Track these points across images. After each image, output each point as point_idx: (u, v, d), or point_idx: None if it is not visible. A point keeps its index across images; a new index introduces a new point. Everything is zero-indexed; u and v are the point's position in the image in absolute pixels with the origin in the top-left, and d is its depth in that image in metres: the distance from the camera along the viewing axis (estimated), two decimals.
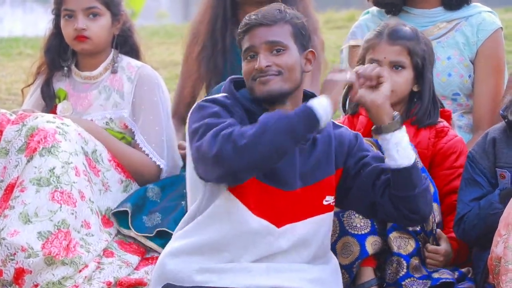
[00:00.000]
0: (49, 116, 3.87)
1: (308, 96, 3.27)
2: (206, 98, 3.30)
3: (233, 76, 3.36)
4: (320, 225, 3.23)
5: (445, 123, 3.83)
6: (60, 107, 4.13)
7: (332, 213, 3.28)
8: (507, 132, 3.66)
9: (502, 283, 3.36)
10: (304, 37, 3.23)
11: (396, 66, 3.69)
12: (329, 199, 3.22)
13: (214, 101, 3.18)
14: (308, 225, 3.21)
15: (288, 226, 3.17)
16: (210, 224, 3.18)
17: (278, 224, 3.15)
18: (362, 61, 3.76)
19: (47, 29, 4.23)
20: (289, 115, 2.94)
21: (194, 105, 3.37)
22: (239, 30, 3.24)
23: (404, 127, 3.15)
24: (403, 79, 3.70)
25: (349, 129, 3.40)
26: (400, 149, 3.12)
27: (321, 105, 2.98)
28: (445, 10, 4.24)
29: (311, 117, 2.95)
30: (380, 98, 3.05)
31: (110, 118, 4.10)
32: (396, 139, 3.10)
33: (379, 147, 3.44)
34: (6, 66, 8.02)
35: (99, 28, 4.06)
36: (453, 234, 3.74)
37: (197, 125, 3.04)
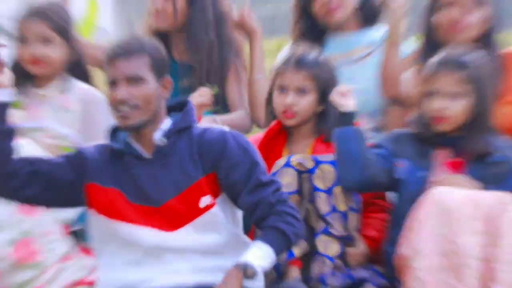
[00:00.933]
0: None
1: (171, 107, 3.39)
2: None
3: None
4: (205, 224, 3.35)
5: None
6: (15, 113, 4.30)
7: (215, 208, 3.32)
8: (411, 136, 3.86)
9: (407, 279, 3.59)
10: (160, 65, 3.34)
11: (299, 91, 3.98)
12: (206, 200, 3.32)
13: None
14: (193, 227, 3.34)
15: (178, 231, 3.32)
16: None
17: (167, 230, 3.32)
18: (272, 86, 4.07)
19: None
20: None
21: None
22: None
23: None
24: (306, 102, 3.98)
25: (221, 128, 3.49)
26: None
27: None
28: (364, 34, 4.55)
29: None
30: None
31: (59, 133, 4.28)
32: None
33: (316, 163, 3.77)
34: None
35: (52, 53, 4.26)
36: (369, 233, 4.03)
37: None
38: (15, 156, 3.30)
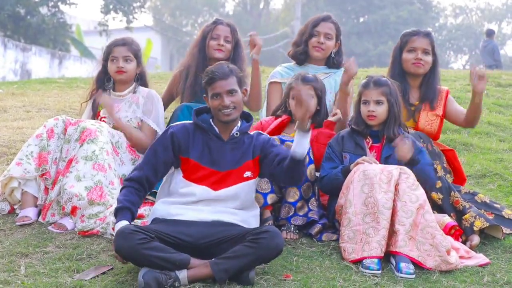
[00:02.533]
0: (93, 121, 5.16)
1: (245, 114, 4.50)
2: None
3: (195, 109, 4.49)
4: (242, 188, 4.35)
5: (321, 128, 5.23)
6: (102, 112, 5.50)
7: (251, 181, 4.38)
8: (350, 132, 5.00)
9: (342, 219, 4.58)
10: (241, 81, 4.40)
11: (312, 96, 5.06)
12: (248, 174, 4.37)
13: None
14: (235, 188, 4.33)
15: (223, 189, 4.29)
16: (175, 190, 4.35)
17: (216, 189, 4.29)
18: (287, 95, 5.21)
19: (95, 69, 5.64)
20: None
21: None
22: (205, 80, 4.37)
23: (309, 133, 4.18)
24: (313, 103, 5.09)
25: (266, 134, 4.54)
26: (301, 144, 4.18)
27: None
28: (325, 67, 5.92)
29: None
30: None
31: (130, 118, 5.49)
32: (301, 137, 4.17)
33: (281, 142, 4.82)
34: (69, 93, 9.72)
35: (130, 67, 5.50)
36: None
37: None
38: (148, 187, 4.35)
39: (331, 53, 5.94)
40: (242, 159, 4.37)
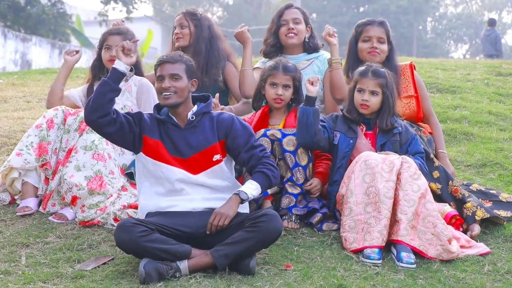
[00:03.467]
0: None
1: (196, 98, 4.43)
2: None
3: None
4: (214, 171, 4.34)
5: None
6: None
7: (222, 162, 4.35)
8: (342, 117, 5.01)
9: (343, 209, 4.59)
10: (192, 71, 4.38)
11: (285, 86, 5.08)
12: (217, 157, 4.34)
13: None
14: (207, 174, 4.33)
15: (200, 174, 4.29)
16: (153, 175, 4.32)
17: (194, 173, 4.28)
18: (264, 82, 5.15)
19: (92, 56, 5.62)
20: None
21: None
22: (155, 64, 4.39)
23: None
24: (289, 93, 5.11)
25: (228, 114, 4.46)
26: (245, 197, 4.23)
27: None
28: (304, 54, 5.86)
29: None
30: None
31: (124, 105, 5.43)
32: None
33: (283, 135, 4.83)
34: (69, 84, 9.72)
35: None
36: (320, 169, 4.99)
37: None
38: (112, 104, 4.24)
39: (304, 38, 5.90)
40: (206, 142, 4.36)
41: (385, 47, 5.52)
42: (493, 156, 6.46)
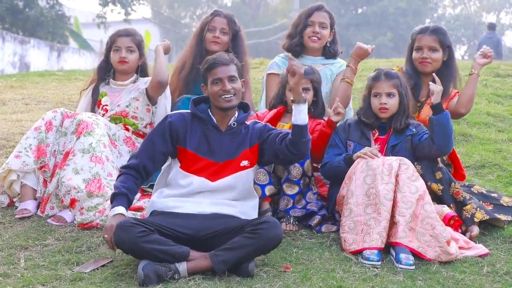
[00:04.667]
0: (89, 113, 5.15)
1: (243, 105, 4.46)
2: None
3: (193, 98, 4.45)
4: (240, 177, 4.35)
5: (323, 120, 5.14)
6: (103, 100, 5.49)
7: (249, 169, 4.35)
8: (357, 122, 4.98)
9: (344, 210, 4.60)
10: (241, 72, 4.41)
11: (304, 89, 5.04)
12: (245, 163, 4.35)
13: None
14: (232, 178, 4.33)
15: (220, 180, 4.29)
16: (173, 181, 4.33)
17: (213, 179, 4.28)
18: (284, 87, 5.19)
19: (99, 57, 5.61)
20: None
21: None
22: (205, 67, 4.33)
23: (306, 104, 4.21)
24: (309, 95, 5.14)
25: (261, 122, 4.51)
26: (301, 114, 4.20)
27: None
28: (322, 58, 5.89)
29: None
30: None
31: (130, 103, 5.47)
32: (300, 108, 4.21)
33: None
34: (68, 86, 9.71)
35: (133, 58, 5.51)
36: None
37: None
38: (144, 177, 4.35)
39: (326, 43, 5.92)
40: (239, 148, 4.36)
41: (437, 55, 5.49)
42: (492, 157, 6.46)
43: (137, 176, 4.30)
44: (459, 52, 49.53)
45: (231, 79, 4.30)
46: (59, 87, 10.09)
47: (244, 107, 4.50)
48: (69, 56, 24.21)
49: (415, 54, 5.51)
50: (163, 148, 4.33)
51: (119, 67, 5.53)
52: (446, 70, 5.47)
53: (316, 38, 5.84)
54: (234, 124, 4.37)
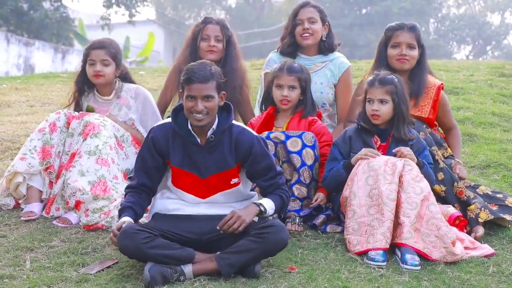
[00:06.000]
0: (97, 115, 5.13)
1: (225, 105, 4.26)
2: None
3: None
4: (231, 193, 4.31)
5: (315, 117, 5.15)
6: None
7: (240, 186, 4.30)
8: (358, 131, 4.89)
9: (347, 211, 4.60)
10: (220, 85, 4.18)
11: (291, 87, 5.06)
12: (235, 180, 4.29)
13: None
14: (223, 195, 4.30)
15: (211, 197, 4.27)
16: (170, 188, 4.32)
17: (204, 197, 4.27)
18: (271, 84, 5.14)
19: (76, 70, 5.51)
20: None
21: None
22: (183, 78, 4.12)
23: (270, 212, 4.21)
24: (295, 94, 5.09)
25: (252, 133, 4.29)
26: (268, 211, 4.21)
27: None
28: (320, 56, 5.79)
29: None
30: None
31: (124, 121, 5.40)
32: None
33: (286, 137, 4.84)
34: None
35: (108, 71, 5.35)
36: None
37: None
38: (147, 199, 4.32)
39: (321, 38, 5.84)
40: (223, 164, 4.26)
41: (415, 53, 5.37)
42: (497, 157, 6.45)
43: (140, 192, 4.26)
44: (464, 52, 49.49)
45: (206, 98, 4.13)
46: (63, 89, 10.02)
47: (227, 108, 4.32)
48: (73, 58, 24.17)
49: (392, 51, 5.37)
50: (154, 163, 4.27)
51: (95, 80, 5.40)
52: (418, 69, 5.38)
53: (307, 34, 5.77)
54: (211, 138, 4.23)
